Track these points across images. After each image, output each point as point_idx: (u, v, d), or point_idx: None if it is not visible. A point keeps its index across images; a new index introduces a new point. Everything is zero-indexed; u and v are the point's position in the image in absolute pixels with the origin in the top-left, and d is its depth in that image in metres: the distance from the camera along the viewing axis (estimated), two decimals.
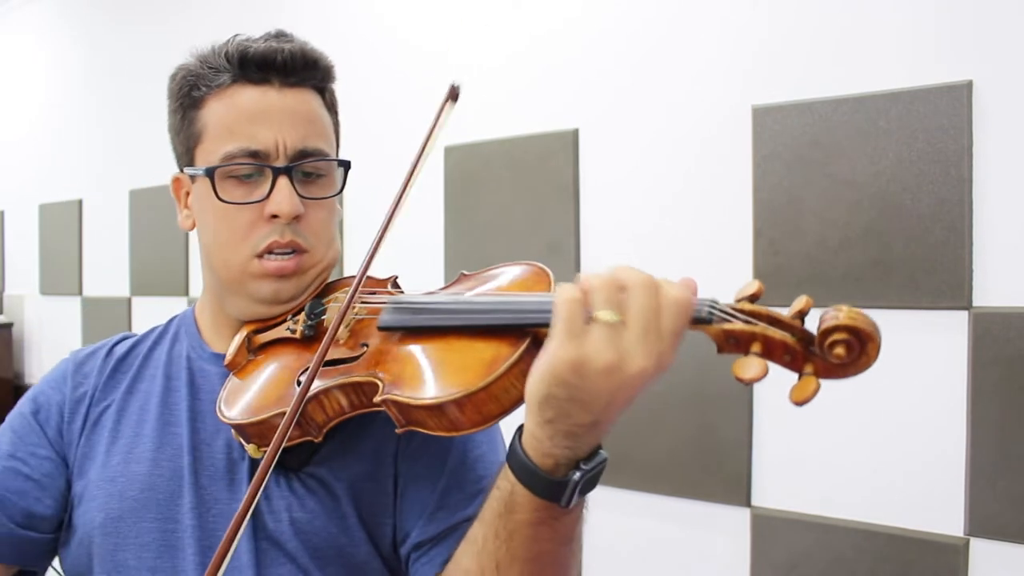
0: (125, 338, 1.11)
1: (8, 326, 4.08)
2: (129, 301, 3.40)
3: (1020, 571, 1.55)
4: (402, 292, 0.99)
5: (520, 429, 0.77)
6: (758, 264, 1.83)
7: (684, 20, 1.97)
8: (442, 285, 0.98)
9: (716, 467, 1.89)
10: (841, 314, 0.66)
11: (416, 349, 0.86)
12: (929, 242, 1.63)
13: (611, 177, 2.09)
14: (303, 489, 0.94)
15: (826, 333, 0.67)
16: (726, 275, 1.89)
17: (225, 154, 0.95)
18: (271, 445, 0.80)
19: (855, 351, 0.66)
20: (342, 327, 0.93)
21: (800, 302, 0.70)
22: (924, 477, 1.64)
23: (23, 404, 1.05)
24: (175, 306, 3.18)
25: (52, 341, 3.83)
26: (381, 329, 0.90)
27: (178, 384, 1.03)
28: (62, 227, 3.74)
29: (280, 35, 1.00)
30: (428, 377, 0.82)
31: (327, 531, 0.93)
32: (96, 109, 3.65)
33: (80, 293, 3.66)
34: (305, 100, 0.98)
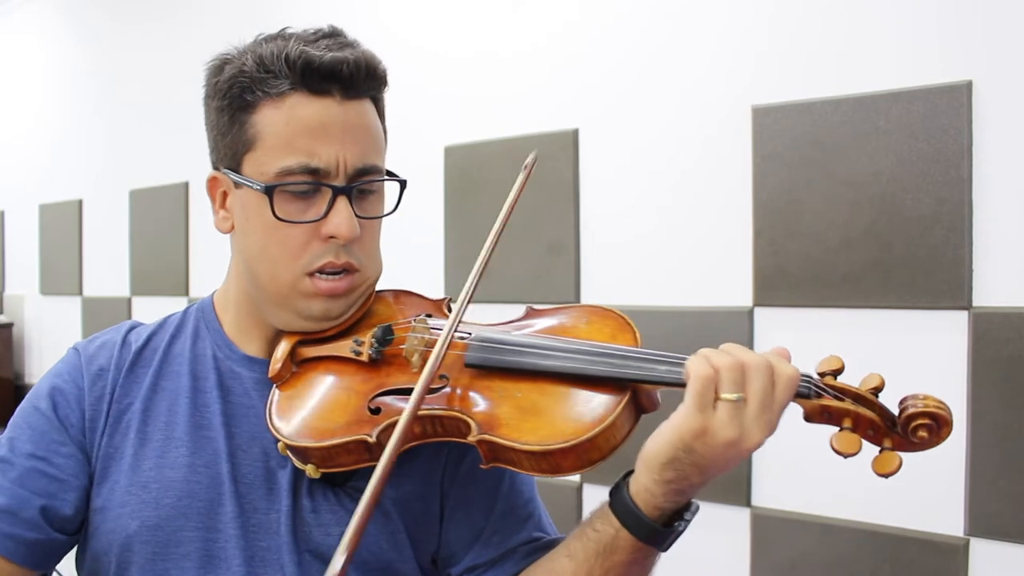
0: (135, 327, 1.06)
1: (8, 326, 4.07)
2: (129, 301, 3.40)
3: (1020, 571, 1.55)
4: (466, 321, 0.98)
5: (625, 481, 0.85)
6: (758, 264, 1.83)
7: (684, 20, 1.97)
8: (510, 319, 0.98)
9: None
10: (919, 402, 0.80)
11: (508, 389, 0.87)
12: (929, 242, 1.63)
13: (611, 177, 2.09)
14: (354, 505, 0.91)
15: (910, 418, 0.80)
16: (726, 275, 1.89)
17: (282, 169, 0.90)
18: (373, 485, 0.78)
19: (934, 433, 0.80)
20: (415, 356, 0.92)
21: (875, 380, 0.82)
22: (924, 477, 1.64)
23: (37, 399, 0.99)
24: (175, 306, 3.17)
25: (52, 341, 3.83)
26: (470, 366, 0.90)
27: (206, 385, 0.99)
28: (62, 227, 3.74)
29: (335, 35, 0.95)
30: (530, 423, 0.84)
31: (378, 546, 0.94)
32: (96, 109, 3.64)
33: (80, 293, 3.66)
34: (364, 113, 0.94)
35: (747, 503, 1.86)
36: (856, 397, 0.81)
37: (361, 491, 0.92)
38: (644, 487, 0.82)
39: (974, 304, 1.60)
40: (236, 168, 0.95)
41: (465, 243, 2.31)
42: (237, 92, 0.92)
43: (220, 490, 0.93)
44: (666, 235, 1.99)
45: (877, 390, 0.82)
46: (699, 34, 1.95)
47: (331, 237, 0.92)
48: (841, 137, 1.73)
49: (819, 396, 0.81)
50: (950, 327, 1.62)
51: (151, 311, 3.29)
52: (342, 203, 0.91)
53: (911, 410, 0.79)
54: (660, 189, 2.00)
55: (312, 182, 0.91)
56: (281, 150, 0.91)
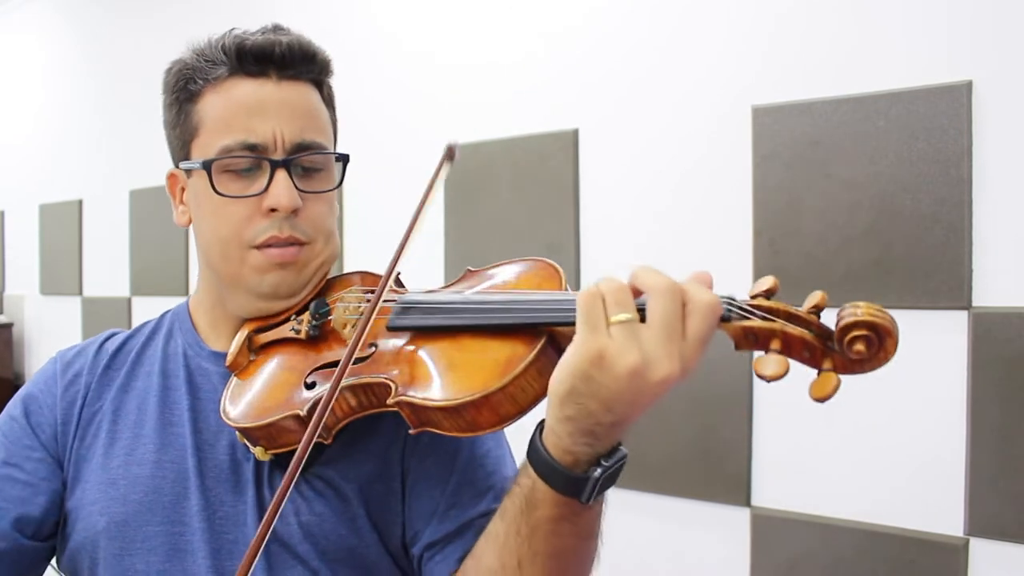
0: (113, 334, 1.08)
1: (8, 326, 4.08)
2: (129, 301, 3.40)
3: (1020, 571, 1.55)
4: (405, 289, 0.98)
5: (541, 425, 0.76)
6: (758, 264, 1.83)
7: (685, 21, 1.97)
8: (446, 283, 0.96)
9: (716, 467, 1.89)
10: (859, 310, 0.67)
11: (428, 349, 0.85)
12: (929, 242, 1.63)
13: (611, 177, 2.09)
14: (311, 492, 0.93)
15: (845, 329, 0.67)
16: (726, 275, 1.89)
17: (222, 147, 0.93)
18: (295, 458, 0.78)
19: (874, 347, 0.67)
20: (348, 327, 0.92)
21: (815, 297, 0.71)
22: (924, 477, 1.64)
23: (12, 408, 1.02)
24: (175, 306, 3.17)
25: (52, 341, 3.83)
26: (391, 330, 0.88)
27: (176, 383, 1.01)
28: (62, 227, 3.75)
29: (277, 28, 0.99)
30: (443, 378, 0.81)
31: (337, 533, 0.93)
32: (96, 109, 3.65)
33: (80, 293, 3.66)
34: (303, 93, 0.97)
35: (747, 503, 1.86)
36: (788, 316, 0.70)
37: (322, 477, 0.93)
38: (550, 428, 0.74)
39: (974, 304, 1.60)
40: (187, 158, 0.98)
41: (465, 243, 2.31)
42: (182, 84, 0.97)
43: (186, 484, 0.94)
44: (666, 235, 1.99)
45: (817, 309, 0.70)
46: (699, 34, 1.95)
47: (272, 210, 0.93)
48: (841, 137, 1.73)
49: (743, 318, 0.71)
50: (950, 327, 1.62)
51: (151, 311, 3.27)
52: (281, 175, 0.93)
53: (846, 319, 0.67)
54: (660, 189, 2.00)
55: (251, 156, 0.93)
56: (221, 131, 0.94)
